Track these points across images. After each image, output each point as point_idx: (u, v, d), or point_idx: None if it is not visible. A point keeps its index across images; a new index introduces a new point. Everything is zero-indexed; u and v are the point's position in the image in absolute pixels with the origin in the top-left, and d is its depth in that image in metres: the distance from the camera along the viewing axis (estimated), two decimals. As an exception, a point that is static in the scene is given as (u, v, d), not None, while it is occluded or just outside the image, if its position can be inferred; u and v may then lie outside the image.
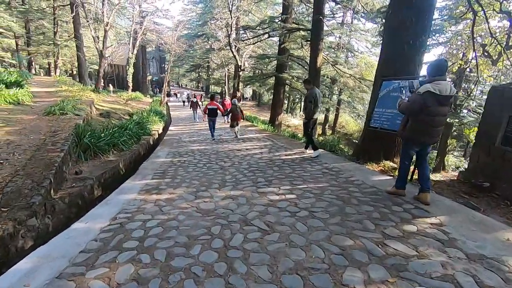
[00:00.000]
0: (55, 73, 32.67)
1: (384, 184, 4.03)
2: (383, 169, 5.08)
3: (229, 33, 21.08)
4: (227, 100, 14.32)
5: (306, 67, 16.39)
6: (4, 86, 9.19)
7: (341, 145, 9.34)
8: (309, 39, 13.05)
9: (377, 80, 5.53)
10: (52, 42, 29.18)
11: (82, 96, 11.07)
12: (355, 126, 36.10)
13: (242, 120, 9.60)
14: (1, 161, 4.05)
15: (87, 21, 22.25)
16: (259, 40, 17.68)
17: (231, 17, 20.36)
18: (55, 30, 30.33)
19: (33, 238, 2.94)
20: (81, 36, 26.08)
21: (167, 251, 2.42)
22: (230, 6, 20.38)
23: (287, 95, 30.96)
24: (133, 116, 11.63)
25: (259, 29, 16.77)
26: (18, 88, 9.63)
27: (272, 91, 18.73)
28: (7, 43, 31.13)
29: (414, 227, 2.72)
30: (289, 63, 16.94)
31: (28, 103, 8.76)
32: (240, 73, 20.92)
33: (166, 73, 25.18)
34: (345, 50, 16.36)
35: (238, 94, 15.04)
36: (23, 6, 26.01)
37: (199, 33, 36.93)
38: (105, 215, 3.25)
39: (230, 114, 9.08)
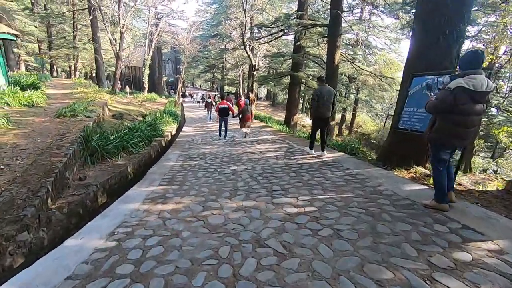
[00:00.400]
0: (74, 76, 33.67)
1: (419, 195, 3.48)
2: (414, 176, 4.51)
3: (243, 32, 20.72)
4: (242, 100, 13.98)
5: (322, 65, 15.79)
6: (20, 88, 9.24)
7: (362, 148, 8.71)
8: (326, 35, 12.47)
9: (406, 76, 4.95)
10: (72, 46, 30.00)
11: (96, 97, 11.05)
12: (373, 125, 34.88)
13: (252, 121, 9.63)
14: (1, 167, 3.84)
15: (104, 24, 22.63)
16: (274, 38, 17.20)
17: (245, 16, 19.99)
18: (75, 34, 31.21)
19: (24, 255, 2.66)
20: (98, 39, 26.62)
21: (165, 280, 2.04)
22: (244, 5, 20.02)
23: (303, 94, 30.33)
24: (146, 117, 11.49)
25: (273, 27, 16.31)
26: (34, 90, 9.68)
27: (287, 90, 18.22)
28: (31, 47, 32.47)
29: (468, 255, 2.19)
30: (305, 61, 16.36)
31: (42, 105, 8.75)
32: (254, 72, 20.52)
33: (180, 74, 25.17)
34: (363, 47, 15.55)
35: (252, 95, 14.58)
36: (45, 11, 26.82)
37: (213, 34, 36.92)
38: (103, 229, 2.92)
39: (241, 114, 8.90)
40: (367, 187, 3.89)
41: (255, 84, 21.47)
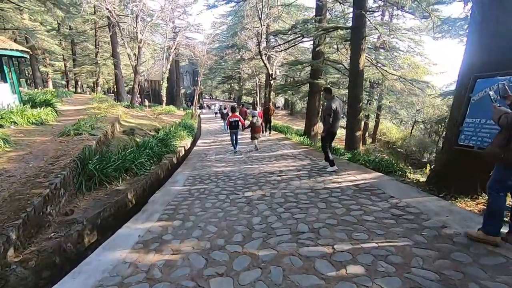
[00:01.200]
0: (96, 91, 34.78)
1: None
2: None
3: (259, 41, 20.18)
4: (258, 109, 13.28)
5: (343, 71, 14.78)
6: (32, 105, 9.02)
7: (400, 164, 7.54)
8: (348, 38, 11.51)
9: (465, 78, 3.90)
10: (94, 62, 31.00)
11: (109, 112, 10.70)
12: (398, 133, 32.85)
13: (262, 132, 9.36)
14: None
15: (122, 39, 23.04)
16: (292, 45, 16.46)
17: (261, 25, 19.47)
18: (97, 51, 32.33)
19: None
20: (118, 55, 27.28)
21: None
22: (260, 14, 19.54)
23: (322, 102, 29.20)
24: (159, 132, 10.98)
25: (290, 34, 15.57)
26: (46, 107, 9.46)
27: (306, 99, 17.27)
28: (58, 65, 34.03)
29: None
30: (325, 68, 15.41)
31: (51, 122, 8.43)
32: (272, 82, 19.80)
33: (197, 85, 25.02)
34: (387, 50, 14.40)
35: (271, 105, 13.81)
36: (69, 31, 27.92)
37: (229, 45, 36.98)
38: (68, 299, 2.14)
39: (251, 127, 8.82)
40: (427, 229, 2.86)
41: (272, 93, 20.73)
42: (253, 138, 8.75)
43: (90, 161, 5.02)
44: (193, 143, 13.00)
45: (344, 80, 16.20)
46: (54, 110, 9.79)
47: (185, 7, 36.84)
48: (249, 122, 9.10)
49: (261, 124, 8.93)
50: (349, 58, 11.16)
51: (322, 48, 12.96)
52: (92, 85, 40.08)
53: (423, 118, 28.71)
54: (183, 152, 9.99)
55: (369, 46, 16.58)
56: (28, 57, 10.34)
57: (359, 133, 11.14)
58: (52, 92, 13.03)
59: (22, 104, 8.89)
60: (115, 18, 21.77)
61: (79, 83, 38.43)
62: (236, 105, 15.27)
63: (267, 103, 20.15)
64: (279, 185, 4.92)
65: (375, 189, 4.26)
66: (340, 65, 14.74)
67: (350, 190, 4.32)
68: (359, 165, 6.05)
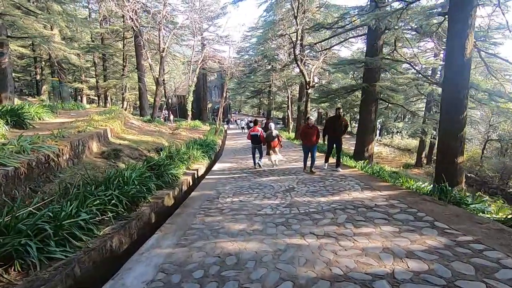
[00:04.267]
0: (122, 105, 33.94)
1: None
2: None
3: (295, 43, 17.03)
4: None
5: (411, 69, 10.97)
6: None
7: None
8: (440, 13, 7.77)
9: None
10: (120, 76, 30.09)
11: (99, 126, 7.97)
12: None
13: (281, 147, 8.46)
14: None
15: (143, 49, 21.28)
16: (342, 40, 12.98)
17: (297, 24, 16.35)
18: (124, 65, 31.59)
19: None
20: (142, 67, 25.79)
21: None
22: (296, 11, 16.50)
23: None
24: (161, 152, 7.96)
25: (336, 28, 12.20)
26: (9, 118, 6.91)
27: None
28: (92, 82, 33.94)
29: None
30: (384, 68, 11.67)
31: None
32: (309, 90, 16.34)
33: (222, 97, 22.33)
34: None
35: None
36: (92, 43, 27.28)
37: (259, 54, 34.54)
38: None
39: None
40: None
41: (309, 105, 17.22)
42: (268, 153, 8.12)
43: None
44: (211, 166, 9.82)
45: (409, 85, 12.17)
46: (23, 122, 7.25)
47: (213, 19, 35.55)
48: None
49: (278, 137, 7.95)
50: (416, 54, 7.41)
51: (387, 37, 9.33)
52: (121, 100, 39.85)
53: (499, 135, 23.02)
54: (190, 183, 6.79)
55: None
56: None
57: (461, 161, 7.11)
58: (41, 106, 10.78)
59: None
60: (137, 27, 20.11)
61: (108, 98, 38.16)
62: (258, 119, 12.53)
63: (307, 117, 16.69)
64: None
65: None
66: (407, 63, 10.94)
67: None
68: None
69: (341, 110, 7.17)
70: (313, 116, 46.82)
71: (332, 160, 7.69)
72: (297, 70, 29.08)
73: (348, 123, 8.24)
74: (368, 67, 10.58)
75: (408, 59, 11.27)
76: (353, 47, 30.54)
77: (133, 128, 12.67)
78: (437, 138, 10.04)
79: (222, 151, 14.66)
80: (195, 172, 7.71)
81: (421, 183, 6.05)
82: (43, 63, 30.63)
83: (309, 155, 7.07)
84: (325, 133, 7.19)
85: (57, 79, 23.10)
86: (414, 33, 10.91)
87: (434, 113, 18.16)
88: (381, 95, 11.40)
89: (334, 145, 7.20)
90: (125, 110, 31.39)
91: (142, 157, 7.50)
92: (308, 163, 7.10)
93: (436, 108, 19.02)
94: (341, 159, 7.51)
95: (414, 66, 10.60)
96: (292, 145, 15.65)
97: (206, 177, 7.27)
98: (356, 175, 6.22)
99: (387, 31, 10.22)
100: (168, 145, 9.60)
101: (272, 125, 8.35)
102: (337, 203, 4.28)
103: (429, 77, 11.03)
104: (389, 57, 10.84)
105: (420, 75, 10.86)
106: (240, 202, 4.66)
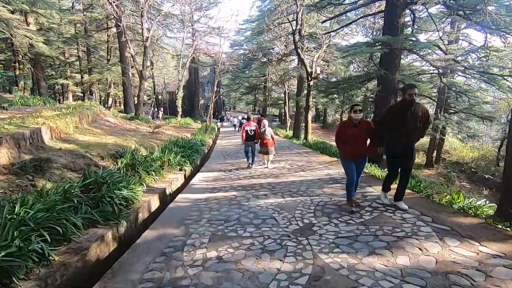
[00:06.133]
0: (108, 103, 31.58)
1: None
2: None
3: (295, 29, 14.91)
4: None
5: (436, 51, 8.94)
6: None
7: None
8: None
9: None
10: (102, 69, 27.64)
11: (30, 124, 5.78)
12: (468, 151, 25.21)
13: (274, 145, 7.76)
14: None
15: (125, 37, 18.90)
16: (359, 18, 10.86)
17: (297, 6, 14.21)
18: (108, 58, 29.18)
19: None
20: (126, 59, 23.44)
21: None
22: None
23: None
24: (122, 158, 5.81)
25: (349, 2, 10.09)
26: None
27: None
28: (78, 78, 31.24)
29: None
30: (404, 53, 9.61)
31: None
32: (311, 82, 14.25)
33: (212, 91, 20.16)
34: None
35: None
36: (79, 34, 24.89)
37: (254, 45, 32.36)
38: None
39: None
40: None
41: (311, 99, 15.16)
42: (261, 152, 7.77)
43: None
44: (194, 173, 7.70)
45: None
46: None
47: (204, 9, 33.16)
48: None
49: (272, 135, 7.66)
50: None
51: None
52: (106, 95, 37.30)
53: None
54: (153, 207, 4.67)
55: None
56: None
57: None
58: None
59: None
60: (116, 12, 17.74)
61: (96, 94, 35.56)
62: (251, 115, 10.88)
63: (306, 111, 14.67)
64: None
65: None
66: (434, 46, 8.89)
67: None
68: None
69: (415, 89, 3.58)
70: (310, 115, 44.87)
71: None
72: (296, 62, 27.04)
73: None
74: (389, 48, 8.50)
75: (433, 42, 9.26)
76: (352, 40, 28.25)
77: (103, 127, 10.46)
78: (506, 149, 7.98)
79: (211, 153, 12.52)
80: (167, 187, 5.58)
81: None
82: (20, 56, 28.06)
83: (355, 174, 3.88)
84: (382, 131, 3.78)
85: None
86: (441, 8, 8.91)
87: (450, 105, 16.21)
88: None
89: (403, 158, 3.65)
90: (110, 107, 29.00)
91: (91, 167, 5.32)
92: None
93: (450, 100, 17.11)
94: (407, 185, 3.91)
95: (445, 51, 8.57)
96: (293, 145, 13.59)
97: (180, 196, 5.13)
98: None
99: (412, 4, 8.17)
100: (137, 148, 7.42)
101: (266, 122, 7.97)
102: (415, 274, 2.17)
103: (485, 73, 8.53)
104: (413, 38, 8.77)
105: (453, 61, 8.83)
106: (217, 265, 2.54)
